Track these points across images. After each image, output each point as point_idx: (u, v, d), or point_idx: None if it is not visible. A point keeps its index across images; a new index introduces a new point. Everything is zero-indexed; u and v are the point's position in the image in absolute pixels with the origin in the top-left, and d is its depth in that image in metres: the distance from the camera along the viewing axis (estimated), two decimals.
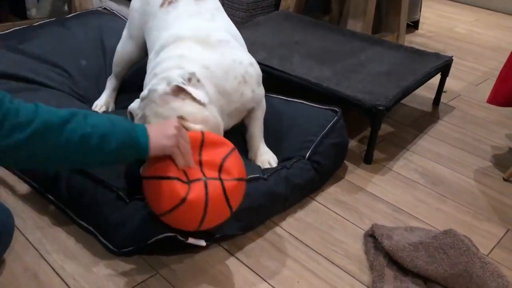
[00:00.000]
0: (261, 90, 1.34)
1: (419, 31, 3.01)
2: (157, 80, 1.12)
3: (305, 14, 2.46)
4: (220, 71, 1.20)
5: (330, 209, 1.36)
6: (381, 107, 1.50)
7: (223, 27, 1.32)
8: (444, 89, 2.04)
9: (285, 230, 1.26)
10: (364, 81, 1.68)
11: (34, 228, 1.18)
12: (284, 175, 1.30)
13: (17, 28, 1.84)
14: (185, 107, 1.08)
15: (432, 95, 2.07)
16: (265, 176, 1.26)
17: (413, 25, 2.99)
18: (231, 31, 1.34)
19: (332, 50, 1.94)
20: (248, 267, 1.13)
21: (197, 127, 1.08)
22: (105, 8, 2.10)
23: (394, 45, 2.05)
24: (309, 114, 1.50)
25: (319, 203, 1.38)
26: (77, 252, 1.13)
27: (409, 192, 1.47)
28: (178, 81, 1.09)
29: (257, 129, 1.39)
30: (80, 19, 1.89)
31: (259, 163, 1.38)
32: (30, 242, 1.14)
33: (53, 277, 1.06)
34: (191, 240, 1.08)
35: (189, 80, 1.11)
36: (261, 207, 1.23)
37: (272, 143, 1.44)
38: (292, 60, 1.82)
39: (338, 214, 1.34)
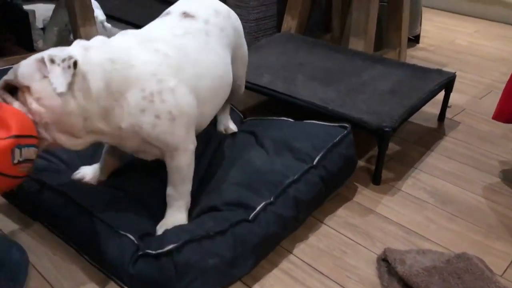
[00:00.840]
0: (175, 130, 1.11)
1: (420, 45, 3.03)
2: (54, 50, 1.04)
3: (306, 33, 2.49)
4: (127, 73, 1.06)
5: (341, 233, 1.36)
6: (387, 129, 1.51)
7: (181, 47, 1.17)
8: (448, 104, 2.05)
9: (298, 258, 1.26)
10: (368, 101, 1.70)
11: (49, 265, 1.19)
12: (292, 195, 1.28)
13: None
14: (34, 82, 0.99)
15: (436, 111, 2.08)
16: (272, 200, 1.26)
17: (414, 39, 3.02)
18: (191, 55, 1.18)
19: (335, 70, 1.96)
20: None
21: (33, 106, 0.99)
22: None
23: (396, 63, 2.06)
24: (319, 129, 1.53)
25: (330, 227, 1.38)
26: None
27: (419, 212, 1.47)
28: (50, 54, 0.99)
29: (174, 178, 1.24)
30: None
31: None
32: (46, 279, 1.15)
33: None
34: None
35: (63, 61, 0.99)
36: (274, 235, 1.23)
37: (280, 149, 1.47)
38: (296, 82, 1.84)
39: (350, 238, 1.35)
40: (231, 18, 1.40)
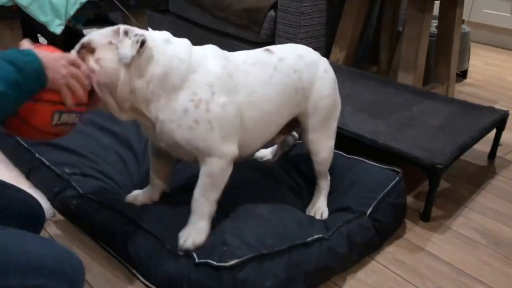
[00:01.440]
0: (210, 138, 1.15)
1: (468, 80, 3.00)
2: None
3: (353, 65, 2.51)
4: (187, 74, 1.14)
5: (391, 270, 1.35)
6: (439, 166, 1.50)
7: (245, 73, 1.23)
8: (499, 142, 2.01)
9: None
10: (419, 136, 1.69)
11: (104, 283, 1.23)
12: (345, 233, 1.30)
13: None
14: (100, 45, 1.09)
15: (486, 149, 2.04)
16: (327, 236, 1.27)
17: (462, 75, 2.99)
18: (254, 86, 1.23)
19: (384, 103, 1.96)
20: None
21: (94, 67, 1.08)
22: None
23: (446, 99, 2.05)
24: (370, 172, 1.52)
25: (379, 263, 1.37)
26: None
27: (471, 253, 1.44)
28: (126, 27, 1.09)
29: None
30: None
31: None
32: None
33: None
34: None
35: (134, 36, 1.08)
36: (325, 268, 1.23)
37: (331, 196, 1.47)
38: (344, 114, 1.85)
39: (399, 276, 1.33)
40: (317, 68, 1.34)
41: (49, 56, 0.98)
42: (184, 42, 1.19)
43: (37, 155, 1.56)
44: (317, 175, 1.43)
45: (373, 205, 1.39)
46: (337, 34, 2.47)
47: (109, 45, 1.08)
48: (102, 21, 3.56)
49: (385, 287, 1.28)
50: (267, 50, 1.31)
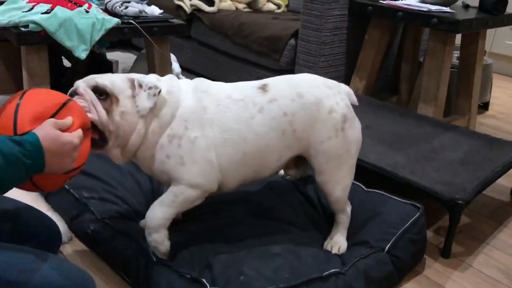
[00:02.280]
0: (184, 172, 1.18)
1: (490, 112, 2.96)
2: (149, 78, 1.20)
3: (373, 95, 2.51)
4: (175, 111, 1.19)
5: None
6: (460, 201, 1.46)
7: (224, 110, 1.23)
8: None
9: None
10: (439, 170, 1.66)
11: None
12: (362, 268, 1.28)
13: None
14: (124, 100, 1.13)
15: (509, 184, 1.99)
16: (343, 271, 1.25)
17: (483, 106, 2.95)
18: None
19: (403, 134, 1.94)
20: None
21: (102, 118, 1.11)
22: None
23: (467, 132, 2.02)
24: (390, 206, 1.49)
25: None
26: None
27: None
28: (139, 79, 1.15)
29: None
30: None
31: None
32: None
33: None
34: None
35: (149, 88, 1.14)
36: None
37: (350, 229, 1.44)
38: (363, 145, 1.82)
39: None
40: (319, 109, 1.24)
41: (54, 151, 0.93)
42: (172, 78, 1.24)
43: None
44: (334, 210, 1.40)
45: (392, 240, 1.36)
46: (357, 64, 2.48)
47: (131, 98, 1.14)
48: (125, 45, 3.64)
49: None
50: (263, 87, 1.25)
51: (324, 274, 1.21)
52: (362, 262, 1.28)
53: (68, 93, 1.11)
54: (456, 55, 2.66)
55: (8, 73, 2.54)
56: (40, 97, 0.99)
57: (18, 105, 0.96)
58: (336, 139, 1.26)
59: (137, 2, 2.27)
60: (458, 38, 2.37)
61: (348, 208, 1.40)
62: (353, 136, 1.30)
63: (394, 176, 1.61)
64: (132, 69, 2.55)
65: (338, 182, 1.32)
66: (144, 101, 1.13)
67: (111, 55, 2.83)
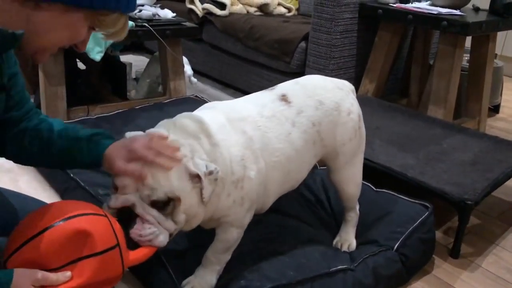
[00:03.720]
0: (239, 212, 1.11)
1: (500, 115, 2.95)
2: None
3: (383, 97, 2.52)
4: (229, 156, 1.07)
5: None
6: (470, 202, 1.48)
7: (264, 132, 1.15)
8: None
9: None
10: (449, 171, 1.67)
11: None
12: (371, 265, 1.29)
13: (120, 110, 2.05)
14: (186, 198, 0.98)
15: None
16: (352, 267, 1.27)
17: (494, 109, 2.95)
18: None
19: (413, 136, 1.96)
20: None
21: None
22: (196, 96, 2.29)
23: (477, 134, 2.03)
24: (399, 206, 1.51)
25: None
26: None
27: None
28: (205, 170, 0.99)
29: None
30: (175, 105, 2.08)
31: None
32: None
33: None
34: None
35: (210, 173, 0.99)
36: None
37: (358, 228, 1.46)
38: (373, 146, 1.85)
39: None
40: (339, 113, 1.24)
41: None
42: (202, 123, 1.07)
43: (72, 175, 1.61)
44: (344, 207, 1.42)
45: (401, 239, 1.37)
46: (368, 66, 2.50)
47: (192, 190, 0.99)
48: (138, 48, 3.69)
49: None
50: (284, 98, 1.20)
51: (331, 270, 1.23)
52: (372, 259, 1.30)
53: (114, 207, 0.96)
54: (466, 58, 2.67)
55: (25, 75, 2.59)
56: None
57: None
58: (355, 139, 1.28)
59: (150, 6, 2.31)
60: (469, 40, 2.37)
61: (357, 206, 1.42)
62: (364, 132, 1.34)
63: (404, 176, 1.62)
64: (145, 71, 2.59)
65: (352, 179, 1.34)
66: (209, 190, 1.00)
67: (124, 58, 2.87)
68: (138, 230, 0.95)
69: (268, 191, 1.17)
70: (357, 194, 1.38)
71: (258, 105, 1.17)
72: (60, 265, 0.86)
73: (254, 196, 1.12)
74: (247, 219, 1.15)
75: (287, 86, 1.26)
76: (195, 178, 0.97)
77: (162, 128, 1.05)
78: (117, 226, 0.92)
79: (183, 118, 1.08)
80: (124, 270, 0.93)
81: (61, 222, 0.87)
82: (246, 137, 1.10)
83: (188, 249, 1.31)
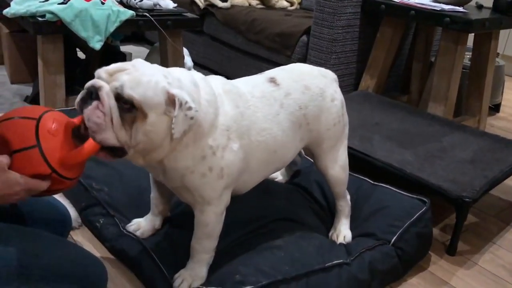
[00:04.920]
0: (216, 187, 1.10)
1: (501, 114, 2.95)
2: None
3: (383, 94, 2.51)
4: (215, 119, 1.07)
5: None
6: (467, 199, 1.47)
7: (254, 111, 1.16)
8: None
9: None
10: (447, 168, 1.66)
11: None
12: (367, 260, 1.29)
13: None
14: (152, 117, 0.96)
15: None
16: (348, 261, 1.26)
17: (494, 108, 2.94)
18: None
19: (412, 133, 1.95)
20: None
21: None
22: None
23: (477, 132, 2.02)
24: (396, 200, 1.51)
25: None
26: None
27: None
28: (182, 98, 0.97)
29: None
30: None
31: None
32: None
33: None
34: None
35: (188, 109, 0.97)
36: None
37: (356, 221, 1.46)
38: (372, 142, 1.84)
39: None
40: (323, 98, 1.28)
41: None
42: (207, 80, 1.10)
43: None
44: (335, 196, 1.42)
45: (398, 233, 1.37)
46: (369, 62, 2.48)
47: (163, 115, 0.97)
48: (138, 39, 3.67)
49: None
50: (272, 80, 1.23)
51: (326, 265, 1.22)
52: (368, 254, 1.30)
53: (85, 87, 0.97)
54: (468, 56, 2.66)
55: (24, 63, 2.58)
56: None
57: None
58: (339, 124, 1.33)
59: None
60: (471, 39, 2.36)
61: (348, 196, 1.42)
62: (347, 119, 1.39)
63: (402, 172, 1.61)
64: None
65: (337, 162, 1.37)
66: (181, 125, 0.97)
67: (124, 49, 2.86)
68: (89, 112, 0.94)
69: (252, 170, 1.17)
70: (345, 179, 1.40)
71: (249, 85, 1.20)
72: None
73: (235, 172, 1.11)
74: (224, 198, 1.14)
75: (275, 71, 1.29)
76: (171, 104, 0.96)
77: (160, 76, 0.99)
78: (46, 127, 0.95)
79: (180, 72, 1.06)
80: (59, 171, 0.95)
81: None
82: (237, 112, 1.11)
83: (179, 244, 1.30)
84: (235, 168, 1.11)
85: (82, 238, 1.44)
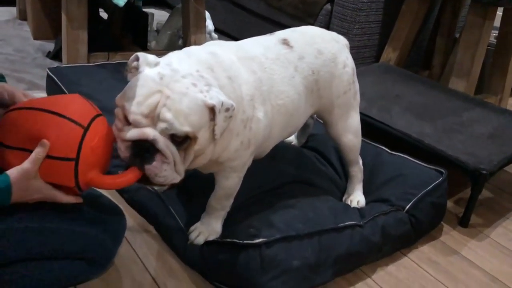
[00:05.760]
0: (244, 156, 1.09)
1: None
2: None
3: (404, 67, 2.48)
4: (240, 92, 1.04)
5: (423, 268, 1.34)
6: (484, 172, 1.47)
7: (270, 74, 1.13)
8: None
9: (375, 282, 1.26)
10: (466, 142, 1.66)
11: (142, 244, 1.28)
12: (380, 224, 1.30)
13: None
14: (202, 137, 0.94)
15: None
16: (361, 223, 1.28)
17: None
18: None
19: (432, 106, 1.93)
20: None
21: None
22: None
23: (498, 109, 2.00)
24: (413, 169, 1.51)
25: (412, 260, 1.36)
26: (179, 273, 1.21)
27: (507, 263, 1.41)
28: (223, 102, 0.94)
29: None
30: None
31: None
32: (138, 256, 1.24)
33: None
34: None
35: (226, 110, 0.94)
36: (356, 254, 1.24)
37: (371, 186, 1.47)
38: (391, 113, 1.84)
39: (431, 275, 1.32)
40: (336, 64, 1.25)
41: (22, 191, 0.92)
42: (218, 55, 1.04)
43: None
44: (348, 162, 1.42)
45: (413, 201, 1.38)
46: (392, 34, 2.45)
47: (208, 129, 0.94)
48: (160, 2, 3.65)
49: (415, 284, 1.27)
50: (285, 42, 1.19)
51: (339, 225, 1.24)
52: (382, 218, 1.31)
53: (131, 140, 0.92)
54: (494, 34, 2.60)
55: (47, 19, 2.59)
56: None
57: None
58: (350, 92, 1.31)
59: None
60: (498, 18, 2.31)
61: (360, 162, 1.43)
62: (358, 87, 1.36)
63: (420, 143, 1.61)
64: (166, 24, 2.57)
65: (349, 130, 1.35)
66: (221, 127, 0.94)
67: (148, 11, 2.85)
68: (156, 169, 0.91)
69: (272, 135, 1.17)
70: (357, 145, 1.39)
71: (261, 47, 1.16)
72: (12, 145, 0.92)
73: (260, 139, 1.10)
74: (249, 163, 1.15)
75: (286, 32, 1.26)
76: (211, 113, 0.93)
77: (174, 58, 0.98)
78: (91, 143, 0.92)
79: (196, 49, 1.04)
80: (81, 187, 0.94)
81: (40, 111, 0.92)
82: (256, 77, 1.08)
83: (195, 199, 1.32)
84: (260, 136, 1.11)
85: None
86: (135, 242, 1.28)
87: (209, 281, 1.18)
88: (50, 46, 2.48)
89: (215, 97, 0.92)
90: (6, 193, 0.91)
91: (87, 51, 2.12)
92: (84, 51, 2.11)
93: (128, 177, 0.93)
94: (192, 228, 1.22)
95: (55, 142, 0.90)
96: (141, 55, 0.95)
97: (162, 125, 0.89)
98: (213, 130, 0.94)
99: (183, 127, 0.90)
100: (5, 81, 1.12)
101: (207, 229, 1.20)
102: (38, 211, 1.00)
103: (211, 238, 1.19)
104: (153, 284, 1.16)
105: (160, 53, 2.25)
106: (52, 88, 1.83)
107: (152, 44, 2.55)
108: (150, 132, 0.90)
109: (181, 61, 0.97)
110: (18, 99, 1.03)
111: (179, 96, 0.90)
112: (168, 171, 0.93)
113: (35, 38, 2.61)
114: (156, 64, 0.94)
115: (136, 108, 0.89)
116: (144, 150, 0.91)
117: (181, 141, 0.92)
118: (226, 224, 1.23)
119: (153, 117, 0.89)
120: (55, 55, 2.36)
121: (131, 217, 1.35)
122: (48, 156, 0.91)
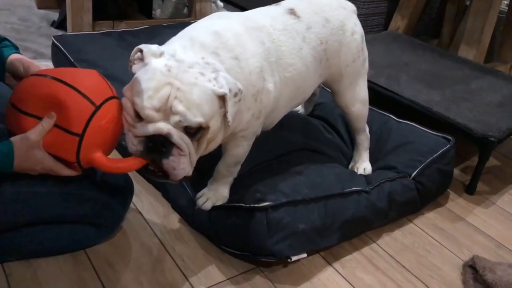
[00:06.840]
0: (255, 126, 1.10)
1: None
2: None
3: (413, 35, 2.44)
4: (247, 68, 1.03)
5: (428, 234, 1.35)
6: (493, 138, 1.46)
7: (278, 45, 1.12)
8: None
9: (381, 248, 1.27)
10: (474, 110, 1.64)
11: (150, 209, 1.30)
12: (387, 190, 1.31)
13: (145, 26, 2.03)
14: (214, 125, 0.94)
15: None
16: (367, 189, 1.28)
17: None
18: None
19: (441, 75, 1.91)
20: (343, 277, 1.16)
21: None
22: None
23: (507, 77, 1.97)
24: (421, 137, 1.50)
25: (417, 226, 1.37)
26: (187, 237, 1.22)
27: None
28: (232, 88, 0.94)
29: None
30: None
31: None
32: (146, 221, 1.26)
33: (164, 254, 1.16)
34: (294, 258, 1.14)
35: (235, 95, 0.95)
36: (362, 219, 1.25)
37: (378, 154, 1.47)
38: (400, 81, 1.82)
39: (436, 240, 1.33)
40: (344, 32, 1.23)
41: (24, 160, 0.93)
42: (224, 31, 1.02)
43: None
44: (355, 130, 1.42)
45: (419, 168, 1.38)
46: (401, 1, 2.40)
47: (219, 116, 0.95)
48: None
49: (420, 249, 1.29)
50: (292, 12, 1.17)
51: (345, 190, 1.25)
52: (388, 185, 1.31)
53: (146, 136, 0.91)
54: (505, 1, 2.54)
55: None
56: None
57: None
58: (358, 60, 1.29)
59: None
60: None
61: (367, 129, 1.42)
62: (367, 54, 1.33)
63: (428, 110, 1.60)
64: None
65: (357, 99, 1.34)
66: (232, 112, 0.94)
67: None
68: (175, 163, 0.91)
69: (279, 107, 1.17)
70: (365, 114, 1.39)
71: (268, 17, 1.14)
72: (27, 111, 0.93)
73: (269, 110, 1.11)
74: (258, 132, 1.16)
75: (293, 1, 1.23)
76: (220, 101, 0.92)
77: (178, 46, 0.97)
78: (99, 123, 0.92)
79: (198, 33, 1.01)
80: (82, 164, 0.95)
81: (57, 81, 0.93)
82: (264, 48, 1.07)
83: (203, 166, 1.32)
84: (270, 108, 1.11)
85: (112, 156, 1.48)
86: (143, 207, 1.30)
87: (216, 245, 1.20)
88: (54, 15, 2.47)
89: (224, 84, 0.92)
90: (8, 158, 0.92)
91: (91, 19, 2.10)
92: (89, 19, 2.09)
93: (130, 163, 0.94)
94: (199, 194, 1.23)
95: (65, 114, 0.91)
96: (144, 46, 0.94)
97: (175, 118, 0.89)
98: (224, 117, 0.94)
99: (196, 118, 0.89)
100: (19, 52, 1.12)
101: (215, 195, 1.21)
102: (46, 176, 1.01)
103: (218, 203, 1.20)
104: (161, 247, 1.18)
105: (165, 21, 2.24)
106: (58, 56, 1.82)
107: (157, 12, 2.52)
108: (163, 126, 0.89)
109: (186, 49, 0.96)
110: (33, 72, 1.03)
111: (189, 87, 0.89)
112: (185, 163, 0.93)
113: (39, 7, 2.59)
114: (161, 54, 0.93)
115: (148, 102, 0.88)
116: (159, 144, 0.90)
117: (194, 132, 0.92)
118: (233, 190, 1.24)
119: (165, 110, 0.89)
120: (60, 24, 2.35)
121: (139, 183, 1.36)
122: (55, 125, 0.92)
